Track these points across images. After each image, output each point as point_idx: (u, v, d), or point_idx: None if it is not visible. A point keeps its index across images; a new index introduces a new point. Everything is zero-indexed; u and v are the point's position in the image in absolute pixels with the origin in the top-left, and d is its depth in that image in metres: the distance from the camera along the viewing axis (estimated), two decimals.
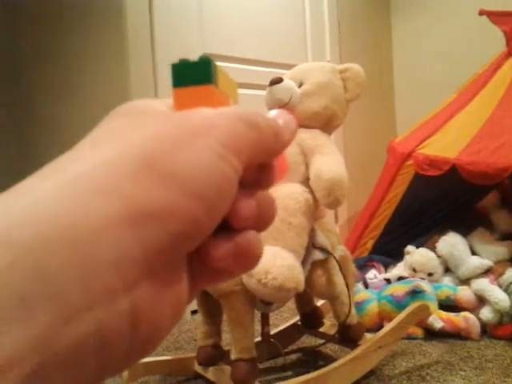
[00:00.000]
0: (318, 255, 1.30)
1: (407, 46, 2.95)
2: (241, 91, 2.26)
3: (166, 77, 2.07)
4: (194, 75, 0.24)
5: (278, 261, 1.10)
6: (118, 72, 2.04)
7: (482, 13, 1.95)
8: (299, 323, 1.53)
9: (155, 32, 2.03)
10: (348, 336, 1.33)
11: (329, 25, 2.65)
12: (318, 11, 2.61)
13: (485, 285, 1.60)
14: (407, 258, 1.80)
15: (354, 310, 1.34)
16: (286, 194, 1.22)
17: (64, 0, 2.33)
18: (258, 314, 1.24)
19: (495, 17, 1.97)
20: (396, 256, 1.89)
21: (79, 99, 2.36)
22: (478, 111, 1.87)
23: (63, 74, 2.45)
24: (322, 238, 1.33)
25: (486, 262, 1.65)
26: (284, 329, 1.54)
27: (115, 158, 0.18)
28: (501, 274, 1.63)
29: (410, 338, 1.56)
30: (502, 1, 2.29)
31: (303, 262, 1.22)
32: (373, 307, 1.65)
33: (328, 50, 2.64)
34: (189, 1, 2.14)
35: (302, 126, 1.35)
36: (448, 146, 1.77)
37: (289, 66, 1.55)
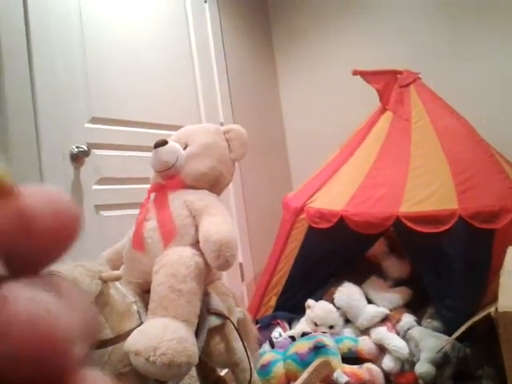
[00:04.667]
0: (213, 321, 1.24)
1: (295, 104, 3.10)
2: (134, 154, 2.22)
3: (50, 144, 1.96)
4: None
5: (167, 334, 1.02)
6: None
7: (355, 73, 2.09)
8: None
9: (37, 99, 1.94)
10: None
11: (219, 86, 2.71)
12: (207, 73, 2.67)
13: (383, 333, 1.62)
14: (308, 312, 1.79)
15: (255, 376, 1.28)
16: (175, 259, 1.17)
17: None
18: None
19: (367, 75, 2.12)
20: (299, 311, 1.88)
21: None
22: (359, 164, 1.97)
23: None
24: (217, 302, 1.28)
25: (382, 310, 1.69)
26: None
27: None
28: (397, 321, 1.67)
29: None
30: (375, 59, 2.51)
31: (198, 331, 1.16)
32: (279, 368, 1.60)
33: (221, 111, 2.70)
34: (74, 64, 2.09)
35: (189, 187, 1.33)
36: (335, 198, 1.83)
37: (182, 127, 1.54)
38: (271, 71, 3.17)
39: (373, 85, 2.08)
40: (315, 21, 2.95)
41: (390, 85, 2.11)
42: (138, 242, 1.28)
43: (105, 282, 1.11)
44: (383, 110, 2.11)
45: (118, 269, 1.35)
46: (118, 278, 1.16)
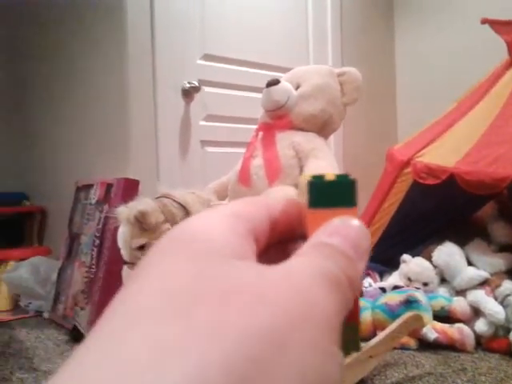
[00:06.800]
0: None
1: (410, 53, 2.94)
2: (242, 94, 2.26)
3: (165, 78, 2.05)
4: (337, 196, 0.22)
5: None
6: (117, 70, 2.03)
7: (484, 21, 1.93)
8: None
9: (156, 32, 2.02)
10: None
11: (331, 29, 2.64)
12: (320, 15, 2.60)
13: (480, 296, 1.57)
14: (403, 266, 1.77)
15: None
16: (279, 196, 1.20)
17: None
18: None
19: (498, 26, 1.95)
20: (392, 264, 1.86)
21: (78, 107, 2.35)
22: (478, 120, 1.84)
23: (62, 79, 2.45)
24: None
25: (482, 274, 1.63)
26: None
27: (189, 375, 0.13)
28: (497, 286, 1.60)
29: (403, 348, 1.53)
30: (506, 10, 2.28)
31: None
32: (366, 316, 1.62)
33: (330, 55, 2.63)
34: (191, 2, 2.13)
35: (298, 128, 1.34)
36: (447, 154, 1.75)
37: (290, 70, 1.54)
38: (388, 17, 3.01)
39: (502, 36, 1.90)
40: None
41: None
42: (244, 177, 1.33)
43: None
44: (511, 63, 1.93)
45: (222, 201, 1.41)
46: None
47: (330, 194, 0.21)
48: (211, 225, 0.18)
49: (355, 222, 0.20)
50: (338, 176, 0.22)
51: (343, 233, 0.19)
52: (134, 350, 0.14)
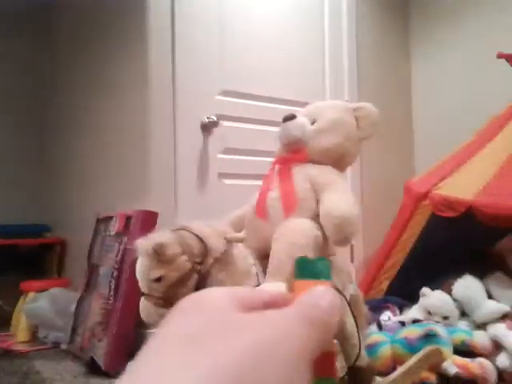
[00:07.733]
0: None
1: (426, 86, 2.96)
2: (259, 127, 2.30)
3: (185, 113, 2.11)
4: (316, 271, 0.29)
5: None
6: (140, 106, 2.09)
7: (500, 56, 1.95)
8: None
9: (177, 69, 2.09)
10: (357, 379, 1.28)
11: (348, 64, 2.68)
12: (337, 51, 2.65)
13: (501, 330, 1.54)
14: (422, 300, 1.75)
15: (364, 352, 1.29)
16: (294, 229, 1.21)
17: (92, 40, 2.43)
18: None
19: None
20: (411, 298, 1.84)
21: (100, 141, 2.42)
22: (496, 153, 1.84)
23: (86, 107, 2.53)
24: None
25: (503, 307, 1.60)
26: None
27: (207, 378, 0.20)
28: None
29: (423, 383, 1.49)
30: None
31: None
32: (386, 350, 1.59)
33: (346, 90, 2.67)
34: (211, 38, 2.20)
35: (313, 162, 1.35)
36: (465, 187, 1.75)
37: (307, 105, 1.57)
38: (404, 52, 3.05)
39: None
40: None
41: None
42: (261, 209, 1.34)
43: (229, 242, 1.20)
44: None
45: (238, 233, 1.42)
46: (240, 240, 1.24)
47: (312, 269, 0.29)
48: (215, 295, 0.25)
49: (332, 291, 0.27)
50: (318, 258, 0.30)
51: (322, 295, 0.26)
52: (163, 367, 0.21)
